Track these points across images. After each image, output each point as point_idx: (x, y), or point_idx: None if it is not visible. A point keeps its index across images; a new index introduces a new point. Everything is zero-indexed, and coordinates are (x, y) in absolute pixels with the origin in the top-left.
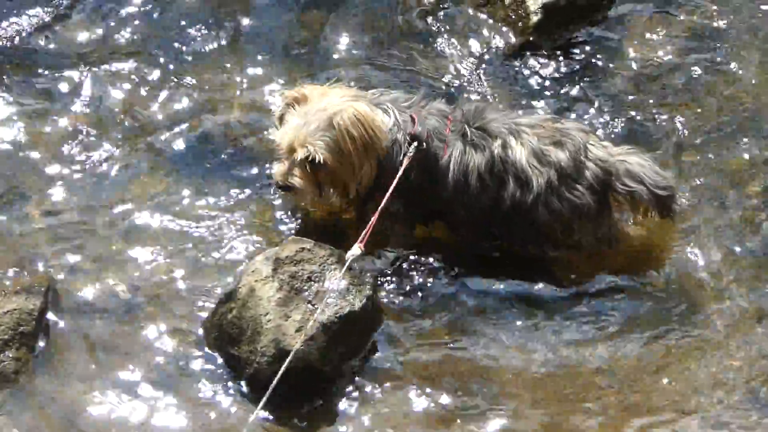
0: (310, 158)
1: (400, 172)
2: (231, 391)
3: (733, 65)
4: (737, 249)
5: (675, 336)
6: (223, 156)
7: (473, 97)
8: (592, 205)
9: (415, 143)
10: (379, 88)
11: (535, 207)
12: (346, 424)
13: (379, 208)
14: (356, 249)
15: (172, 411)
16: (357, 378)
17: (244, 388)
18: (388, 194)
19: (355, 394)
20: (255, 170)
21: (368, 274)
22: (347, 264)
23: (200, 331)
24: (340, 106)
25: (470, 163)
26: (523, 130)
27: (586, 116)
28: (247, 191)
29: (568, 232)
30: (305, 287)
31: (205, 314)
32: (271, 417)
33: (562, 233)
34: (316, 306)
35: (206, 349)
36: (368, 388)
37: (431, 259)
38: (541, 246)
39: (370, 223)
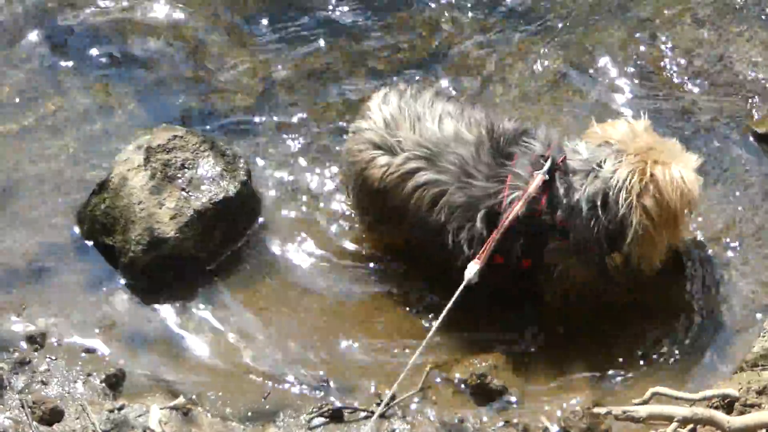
0: None
1: None
2: (107, 281)
3: None
4: None
5: None
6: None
7: None
8: None
9: None
10: None
11: None
12: (222, 308)
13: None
14: (473, 266)
15: (46, 302)
16: (235, 263)
17: (120, 277)
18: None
19: (232, 278)
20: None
21: (242, 160)
22: (465, 282)
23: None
24: None
25: None
26: None
27: None
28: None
29: None
30: (178, 174)
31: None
32: (148, 304)
33: None
34: (190, 193)
35: (81, 239)
36: (244, 273)
37: None
38: None
39: (491, 240)
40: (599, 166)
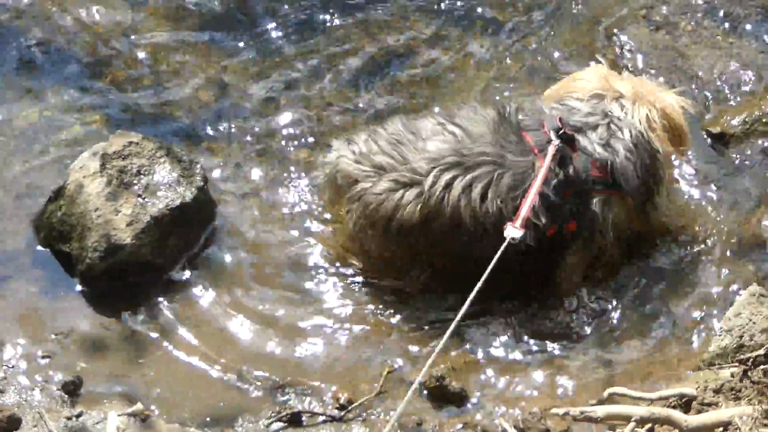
0: None
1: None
2: (64, 288)
3: None
4: None
5: None
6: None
7: None
8: None
9: None
10: None
11: None
12: (179, 313)
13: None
14: (514, 230)
15: (2, 310)
16: (192, 269)
17: (78, 284)
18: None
19: (189, 284)
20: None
21: (198, 165)
22: (506, 243)
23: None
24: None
25: None
26: None
27: None
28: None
29: None
30: (134, 181)
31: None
32: (105, 311)
33: None
34: (146, 199)
35: (37, 247)
36: (202, 279)
37: None
38: None
39: (530, 198)
40: (610, 115)
